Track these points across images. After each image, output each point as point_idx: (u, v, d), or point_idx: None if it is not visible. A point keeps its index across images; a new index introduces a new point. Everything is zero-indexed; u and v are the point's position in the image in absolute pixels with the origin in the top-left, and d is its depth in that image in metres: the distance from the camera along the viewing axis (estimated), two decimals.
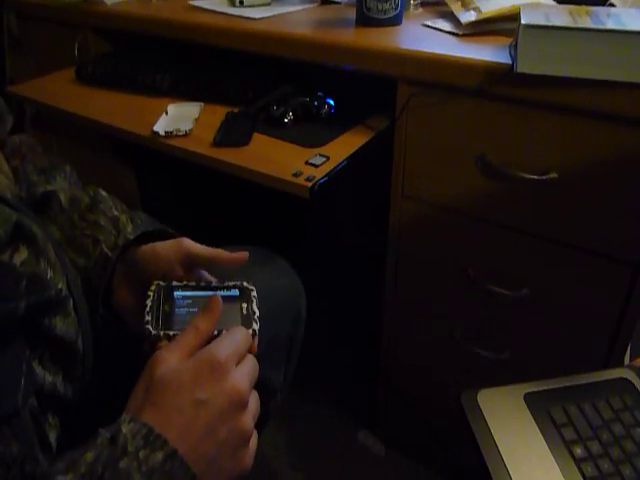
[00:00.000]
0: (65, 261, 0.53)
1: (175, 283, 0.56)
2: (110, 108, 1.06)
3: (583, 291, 0.84)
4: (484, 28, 0.90)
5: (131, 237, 0.59)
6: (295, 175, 0.78)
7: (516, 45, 0.80)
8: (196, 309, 0.53)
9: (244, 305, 0.54)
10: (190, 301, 0.54)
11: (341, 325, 1.51)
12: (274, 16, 1.07)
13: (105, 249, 0.57)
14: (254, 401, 0.48)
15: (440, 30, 0.94)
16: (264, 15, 1.07)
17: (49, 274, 0.48)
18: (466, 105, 0.81)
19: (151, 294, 0.54)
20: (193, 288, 0.56)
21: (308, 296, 0.82)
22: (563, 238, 0.82)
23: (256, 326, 0.53)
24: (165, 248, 0.59)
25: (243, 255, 0.59)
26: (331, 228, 1.50)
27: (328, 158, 0.83)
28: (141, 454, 0.39)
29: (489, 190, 0.85)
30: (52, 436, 0.49)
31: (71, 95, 1.12)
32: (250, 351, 0.50)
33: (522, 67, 0.70)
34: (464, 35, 0.89)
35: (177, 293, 0.55)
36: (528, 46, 0.69)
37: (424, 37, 0.91)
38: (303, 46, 0.94)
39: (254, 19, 1.05)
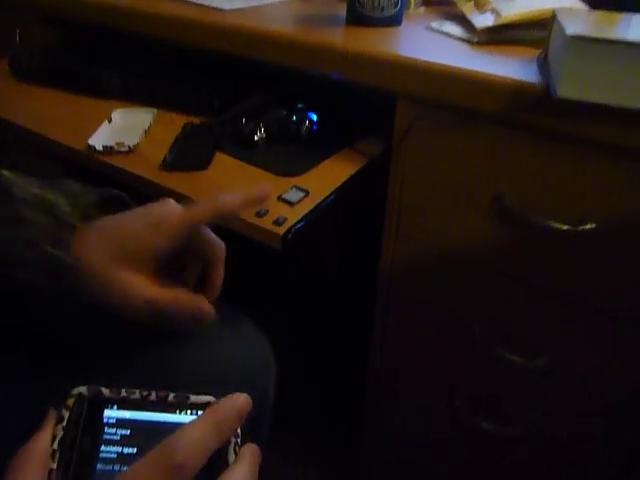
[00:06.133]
0: None
1: (105, 393, 0.35)
2: (44, 112, 0.88)
3: (611, 362, 0.70)
4: (503, 36, 0.74)
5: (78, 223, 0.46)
6: (259, 215, 0.60)
7: (546, 58, 0.64)
8: (134, 450, 0.33)
9: None
10: (126, 432, 0.34)
11: (325, 384, 1.34)
12: (248, 8, 0.91)
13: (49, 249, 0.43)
14: None
15: (449, 35, 0.78)
16: (235, 6, 0.90)
17: None
18: (483, 133, 0.66)
19: (67, 414, 0.34)
20: (134, 405, 0.35)
21: (289, 353, 0.71)
22: (592, 302, 0.67)
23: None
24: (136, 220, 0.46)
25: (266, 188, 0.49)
26: (311, 270, 1.32)
27: (307, 193, 0.66)
28: None
29: (504, 237, 0.70)
30: None
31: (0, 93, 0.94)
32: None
33: (564, 91, 0.54)
34: (479, 43, 0.74)
35: (108, 413, 0.34)
36: (574, 64, 0.53)
37: (430, 43, 0.76)
38: (281, 47, 0.78)
39: (223, 10, 0.88)
